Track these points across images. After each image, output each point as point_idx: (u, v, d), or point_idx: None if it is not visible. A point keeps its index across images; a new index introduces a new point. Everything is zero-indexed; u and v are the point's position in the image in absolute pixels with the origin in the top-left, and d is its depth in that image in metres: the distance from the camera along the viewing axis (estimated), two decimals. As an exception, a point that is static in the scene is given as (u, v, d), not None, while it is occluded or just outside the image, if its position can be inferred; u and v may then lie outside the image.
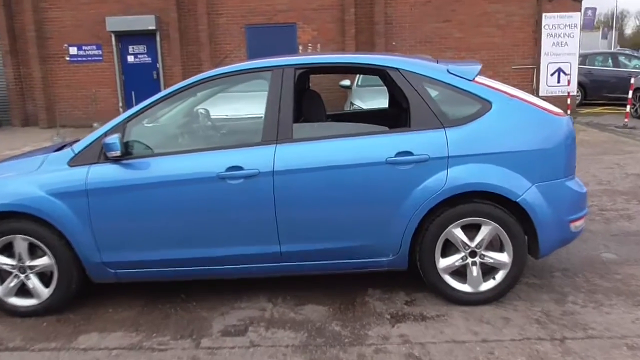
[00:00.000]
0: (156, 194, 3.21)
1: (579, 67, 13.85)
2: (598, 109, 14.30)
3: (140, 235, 3.27)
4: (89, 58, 14.14)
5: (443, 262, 3.28)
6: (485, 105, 3.23)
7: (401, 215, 3.17)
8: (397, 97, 4.18)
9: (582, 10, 13.83)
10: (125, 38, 14.02)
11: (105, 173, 3.24)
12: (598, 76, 15.43)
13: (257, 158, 3.19)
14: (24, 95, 14.33)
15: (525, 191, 3.15)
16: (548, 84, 13.65)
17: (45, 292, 3.37)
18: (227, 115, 6.16)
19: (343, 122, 4.09)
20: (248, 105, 6.73)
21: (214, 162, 3.21)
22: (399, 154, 3.15)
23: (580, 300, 3.37)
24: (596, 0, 32.16)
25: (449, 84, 3.28)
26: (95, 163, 3.27)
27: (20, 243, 3.30)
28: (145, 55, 14.22)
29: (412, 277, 3.49)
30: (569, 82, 13.40)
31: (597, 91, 15.37)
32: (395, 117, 4.07)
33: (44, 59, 13.99)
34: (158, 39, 13.97)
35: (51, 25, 13.94)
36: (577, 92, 14.30)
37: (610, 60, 15.83)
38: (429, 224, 3.20)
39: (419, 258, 3.28)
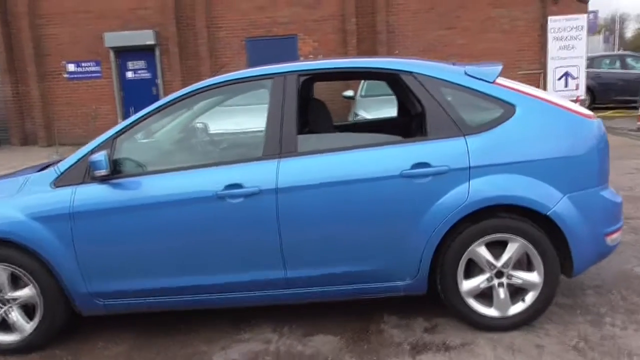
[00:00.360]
0: (148, 216, 2.92)
1: (586, 71, 13.55)
2: (608, 113, 13.96)
3: (132, 262, 2.97)
4: (88, 75, 13.98)
5: (466, 285, 2.96)
6: (508, 109, 2.94)
7: (419, 234, 2.86)
8: (409, 103, 3.88)
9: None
10: (124, 54, 13.86)
11: (91, 194, 2.96)
12: (606, 79, 15.10)
13: (258, 174, 2.89)
14: (23, 113, 14.17)
15: (557, 203, 2.84)
16: (556, 89, 13.31)
17: (27, 327, 3.07)
18: (226, 130, 5.86)
19: (351, 132, 3.80)
20: (249, 118, 6.46)
21: (211, 179, 2.92)
22: (415, 165, 2.84)
23: (619, 322, 3.05)
24: (596, 4, 32.06)
25: (468, 87, 2.98)
26: (81, 183, 2.99)
27: (0, 273, 3.01)
28: (145, 71, 14.06)
29: (430, 300, 3.16)
30: (577, 86, 13.08)
31: (606, 94, 15.02)
32: (408, 125, 3.78)
33: (42, 76, 13.83)
34: (157, 54, 13.81)
35: (49, 42, 13.81)
36: (586, 96, 13.97)
37: (617, 63, 15.53)
38: (450, 242, 2.89)
39: (439, 281, 2.96)
